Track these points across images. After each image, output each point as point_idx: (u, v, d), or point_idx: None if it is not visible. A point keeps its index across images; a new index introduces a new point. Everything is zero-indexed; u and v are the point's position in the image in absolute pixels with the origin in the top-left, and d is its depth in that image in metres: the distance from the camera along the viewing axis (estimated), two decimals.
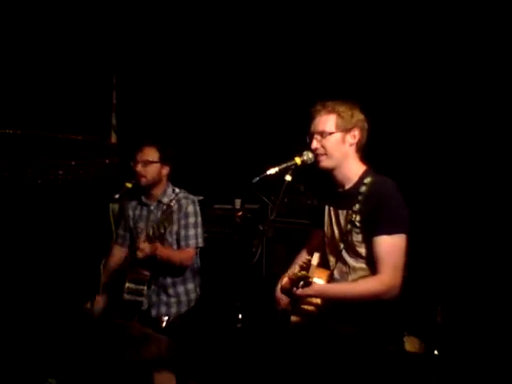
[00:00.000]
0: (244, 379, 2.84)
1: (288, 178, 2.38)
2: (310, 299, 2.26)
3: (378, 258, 2.17)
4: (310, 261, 2.27)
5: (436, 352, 2.70)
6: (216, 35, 4.26)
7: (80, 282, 3.30)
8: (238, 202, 4.22)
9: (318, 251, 2.37)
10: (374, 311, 2.21)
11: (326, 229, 2.43)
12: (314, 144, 2.34)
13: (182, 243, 3.01)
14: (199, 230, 3.04)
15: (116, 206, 3.18)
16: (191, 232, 3.02)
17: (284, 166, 2.40)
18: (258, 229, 3.30)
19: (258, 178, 2.40)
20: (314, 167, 2.43)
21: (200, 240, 3.04)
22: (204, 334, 3.01)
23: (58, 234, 3.92)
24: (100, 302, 2.99)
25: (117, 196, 2.96)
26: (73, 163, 4.05)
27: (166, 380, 1.53)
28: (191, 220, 3.02)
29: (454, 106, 3.41)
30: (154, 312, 3.04)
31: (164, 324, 2.89)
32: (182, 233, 3.01)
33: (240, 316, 2.85)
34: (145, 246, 2.84)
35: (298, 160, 2.40)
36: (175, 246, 3.04)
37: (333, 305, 2.25)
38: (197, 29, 4.29)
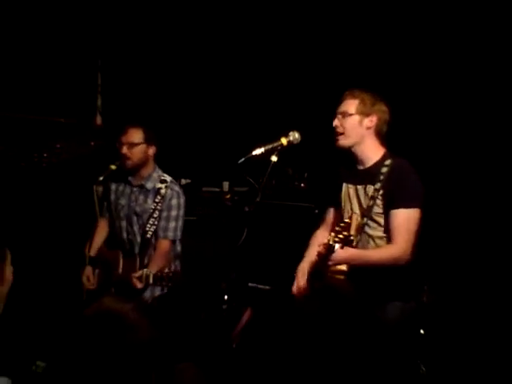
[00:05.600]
0: (234, 360, 2.85)
1: (274, 158, 2.45)
2: (336, 267, 2.41)
3: (395, 228, 2.41)
4: (348, 223, 2.40)
5: (422, 331, 2.73)
6: (200, 17, 4.21)
7: (65, 264, 3.29)
8: (226, 185, 4.21)
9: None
10: (393, 273, 2.42)
11: (343, 204, 2.58)
12: (335, 122, 2.52)
13: (160, 233, 3.02)
14: (179, 223, 3.04)
15: (100, 188, 3.16)
16: (171, 224, 3.02)
17: (270, 146, 2.46)
18: (243, 211, 3.31)
19: (243, 159, 2.45)
20: (299, 147, 2.51)
21: (178, 233, 3.05)
22: (187, 316, 3.02)
23: (42, 217, 3.89)
24: (90, 274, 3.02)
25: (101, 178, 2.95)
26: (57, 146, 4.01)
27: (186, 368, 1.54)
28: (173, 213, 3.02)
29: (473, 102, 3.46)
30: None
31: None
32: (162, 223, 3.01)
33: (226, 297, 2.85)
34: None
35: (283, 140, 2.48)
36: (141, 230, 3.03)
37: (357, 270, 2.42)
38: (181, 10, 4.23)
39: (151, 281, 2.76)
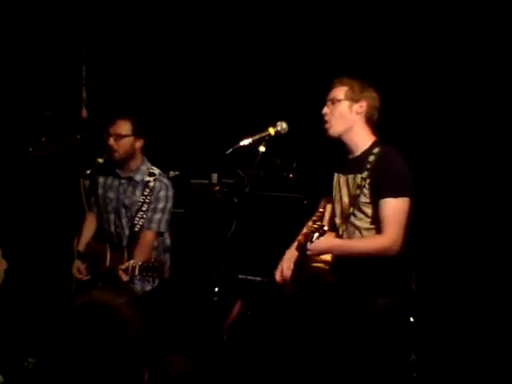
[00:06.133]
0: (225, 352, 2.86)
1: (262, 148, 2.44)
2: (320, 257, 2.41)
3: (384, 218, 2.36)
4: (323, 213, 2.43)
5: (411, 319, 2.74)
6: (186, 7, 4.16)
7: (53, 258, 3.26)
8: (214, 177, 4.19)
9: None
10: (380, 266, 2.38)
11: (334, 194, 2.58)
12: (324, 110, 2.51)
13: (145, 225, 2.99)
14: (165, 216, 3.02)
15: (87, 182, 3.13)
16: (156, 216, 2.99)
17: (257, 136, 2.45)
18: (232, 202, 3.30)
19: (231, 150, 2.42)
20: (287, 137, 2.50)
21: (162, 226, 3.02)
22: (177, 308, 3.01)
23: (28, 211, 3.85)
24: (80, 266, 3.01)
25: (88, 172, 2.92)
26: (43, 139, 3.96)
27: (177, 360, 1.53)
28: (160, 205, 3.00)
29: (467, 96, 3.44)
30: None
31: None
32: (148, 214, 2.99)
33: (216, 289, 2.85)
34: None
35: (271, 130, 2.46)
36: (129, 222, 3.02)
37: (341, 261, 2.40)
38: (170, 1, 4.18)
39: (137, 272, 2.73)
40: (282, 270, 2.59)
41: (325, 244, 2.33)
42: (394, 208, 2.35)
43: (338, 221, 2.55)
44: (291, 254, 2.61)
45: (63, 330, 1.36)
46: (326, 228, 2.30)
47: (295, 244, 2.63)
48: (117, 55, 4.34)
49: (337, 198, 2.56)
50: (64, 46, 4.22)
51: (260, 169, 3.80)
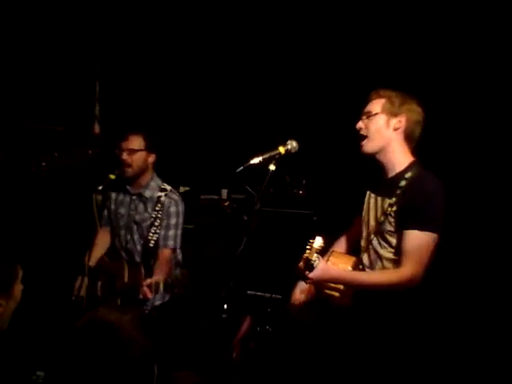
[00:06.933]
0: (234, 369, 2.85)
1: (272, 167, 2.40)
2: (333, 285, 2.26)
3: (405, 251, 2.16)
4: (311, 244, 2.25)
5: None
6: (198, 27, 4.21)
7: (65, 274, 3.28)
8: (224, 193, 4.20)
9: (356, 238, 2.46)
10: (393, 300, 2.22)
11: (363, 215, 2.42)
12: (359, 124, 2.32)
13: (161, 242, 3.01)
14: (178, 231, 3.04)
15: (100, 197, 3.16)
16: (171, 233, 3.02)
17: (267, 155, 2.41)
18: (242, 219, 3.30)
19: (241, 168, 2.40)
20: (297, 155, 2.43)
21: (178, 241, 3.05)
22: (186, 325, 3.01)
23: (41, 226, 3.88)
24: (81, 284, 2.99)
25: (100, 188, 2.94)
26: (55, 154, 4.01)
27: (185, 377, 1.53)
28: (172, 221, 3.02)
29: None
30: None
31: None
32: (162, 232, 3.01)
33: (225, 306, 2.85)
34: None
35: (281, 149, 2.43)
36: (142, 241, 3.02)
37: (356, 292, 2.25)
38: (179, 17, 4.24)
39: (161, 289, 2.74)
40: (295, 295, 2.53)
41: (324, 274, 2.15)
42: (418, 242, 2.15)
43: (362, 243, 2.41)
44: (303, 284, 2.52)
45: (69, 346, 1.37)
46: (312, 263, 2.10)
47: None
48: (129, 72, 4.39)
49: (365, 219, 2.40)
50: (78, 62, 4.28)
51: (270, 186, 3.81)
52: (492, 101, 3.30)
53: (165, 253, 3.02)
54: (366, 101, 2.35)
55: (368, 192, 2.42)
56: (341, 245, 2.66)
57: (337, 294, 2.30)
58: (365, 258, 2.38)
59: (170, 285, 2.74)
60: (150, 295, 2.75)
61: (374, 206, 2.36)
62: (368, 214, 2.38)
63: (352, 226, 2.63)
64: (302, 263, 2.16)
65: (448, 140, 3.31)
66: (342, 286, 2.28)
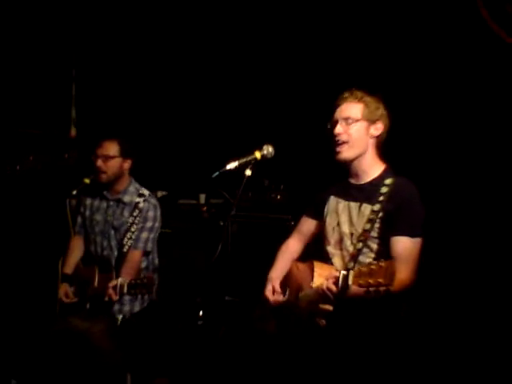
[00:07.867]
0: (209, 375, 2.83)
1: (248, 172, 2.41)
2: (322, 306, 2.16)
3: (398, 258, 2.12)
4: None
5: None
6: (173, 29, 4.19)
7: (37, 278, 3.24)
8: (202, 197, 4.19)
9: (306, 241, 2.51)
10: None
11: (328, 219, 2.38)
12: (339, 129, 2.24)
13: (132, 244, 2.98)
14: (152, 235, 3.02)
15: (74, 202, 3.13)
16: (143, 235, 2.99)
17: (243, 160, 2.42)
18: (218, 224, 3.29)
19: (217, 173, 2.41)
20: (275, 159, 2.43)
21: (149, 245, 3.02)
22: (163, 332, 2.98)
23: (14, 230, 3.82)
24: (67, 289, 2.98)
25: (74, 192, 2.91)
26: (31, 158, 3.95)
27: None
28: (148, 224, 3.00)
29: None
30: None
31: (118, 323, 2.85)
32: (135, 234, 2.98)
33: (201, 313, 2.83)
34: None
35: (257, 154, 2.44)
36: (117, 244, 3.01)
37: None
38: (156, 18, 4.21)
39: (126, 290, 2.70)
40: (274, 290, 2.46)
41: (358, 291, 1.97)
42: (410, 248, 2.16)
43: (330, 249, 2.37)
44: (276, 275, 2.50)
45: (41, 355, 1.36)
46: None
47: (279, 264, 2.52)
48: (106, 74, 4.36)
49: (332, 223, 2.36)
50: (54, 65, 4.24)
51: (248, 190, 3.80)
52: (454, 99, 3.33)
53: (133, 254, 2.98)
54: (339, 102, 2.29)
55: (331, 196, 2.39)
56: (291, 248, 2.57)
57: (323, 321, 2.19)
58: (337, 263, 2.34)
59: (134, 285, 2.69)
60: (114, 297, 2.72)
61: (345, 211, 2.32)
62: (337, 219, 2.34)
63: (300, 229, 2.57)
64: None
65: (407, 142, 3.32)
66: (331, 308, 2.14)
